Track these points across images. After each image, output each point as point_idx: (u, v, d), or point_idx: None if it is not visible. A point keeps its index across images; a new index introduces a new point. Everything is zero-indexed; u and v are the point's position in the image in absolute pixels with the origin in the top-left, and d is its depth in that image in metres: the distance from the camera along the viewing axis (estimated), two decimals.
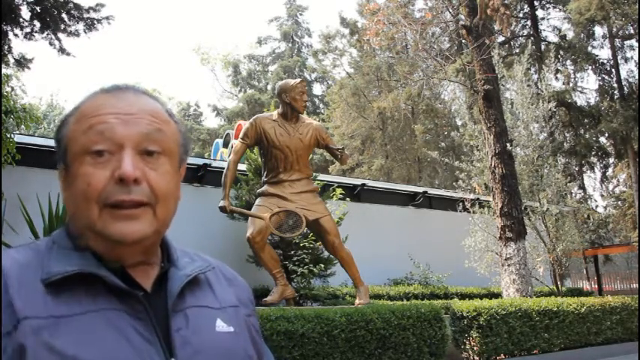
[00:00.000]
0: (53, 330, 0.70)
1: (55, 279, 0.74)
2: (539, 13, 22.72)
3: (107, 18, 9.13)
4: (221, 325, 0.84)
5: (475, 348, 6.22)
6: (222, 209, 6.17)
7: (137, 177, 0.77)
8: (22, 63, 9.00)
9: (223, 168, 6.57)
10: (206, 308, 0.85)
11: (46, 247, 0.81)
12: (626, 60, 21.14)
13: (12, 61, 8.88)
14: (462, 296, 9.58)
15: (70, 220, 0.83)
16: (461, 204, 10.39)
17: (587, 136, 19.89)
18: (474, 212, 10.07)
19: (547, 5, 22.69)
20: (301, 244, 7.68)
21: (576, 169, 20.89)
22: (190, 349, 0.78)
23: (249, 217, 6.26)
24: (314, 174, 8.00)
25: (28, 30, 8.68)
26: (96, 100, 0.83)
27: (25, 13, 8.60)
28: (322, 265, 7.85)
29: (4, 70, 7.92)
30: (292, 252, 7.75)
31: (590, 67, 20.73)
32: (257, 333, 0.94)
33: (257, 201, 6.43)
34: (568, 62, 20.86)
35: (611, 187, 26.83)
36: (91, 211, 0.77)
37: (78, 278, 0.75)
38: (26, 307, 0.71)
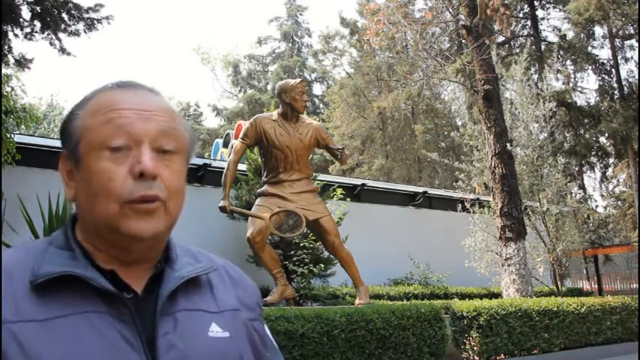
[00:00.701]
0: (32, 333, 0.70)
1: (39, 281, 0.73)
2: (539, 13, 22.73)
3: (107, 18, 9.12)
4: (215, 330, 0.82)
5: (475, 348, 6.22)
6: (222, 209, 6.17)
7: (157, 173, 0.77)
8: (22, 63, 8.99)
9: (223, 168, 6.57)
10: (200, 312, 0.83)
11: (41, 247, 0.80)
12: (626, 60, 21.15)
13: (12, 61, 8.88)
14: (462, 296, 9.58)
15: (83, 215, 0.81)
16: (461, 204, 10.39)
17: (587, 136, 19.88)
18: (473, 212, 10.07)
19: (547, 5, 22.68)
20: (301, 244, 7.68)
21: (576, 169, 20.87)
22: (176, 354, 0.76)
23: (249, 217, 6.26)
24: (314, 174, 8.00)
25: (28, 30, 8.67)
26: (111, 95, 0.82)
27: (26, 13, 8.59)
28: (322, 265, 7.85)
29: (4, 70, 7.91)
30: (292, 252, 7.75)
31: (590, 67, 20.72)
32: (261, 338, 0.91)
33: (257, 201, 6.43)
34: (568, 62, 20.86)
35: (611, 187, 26.85)
36: (110, 208, 0.76)
37: (65, 280, 0.74)
38: (7, 311, 0.70)
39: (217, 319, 0.84)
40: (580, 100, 21.57)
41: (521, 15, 22.95)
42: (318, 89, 36.11)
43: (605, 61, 20.81)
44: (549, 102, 9.78)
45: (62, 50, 9.05)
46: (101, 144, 0.78)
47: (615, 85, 20.19)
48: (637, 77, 19.68)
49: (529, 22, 22.67)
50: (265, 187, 6.42)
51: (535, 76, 17.13)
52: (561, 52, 19.53)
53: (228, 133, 13.98)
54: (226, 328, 0.84)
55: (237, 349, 0.84)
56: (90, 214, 0.79)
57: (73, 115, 0.83)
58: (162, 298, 0.79)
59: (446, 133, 25.48)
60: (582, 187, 22.71)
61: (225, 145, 13.38)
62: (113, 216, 0.76)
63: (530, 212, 9.68)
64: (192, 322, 0.81)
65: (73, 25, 8.88)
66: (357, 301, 6.39)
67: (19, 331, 0.69)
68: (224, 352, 0.81)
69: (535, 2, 22.34)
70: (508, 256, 8.16)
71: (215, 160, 10.83)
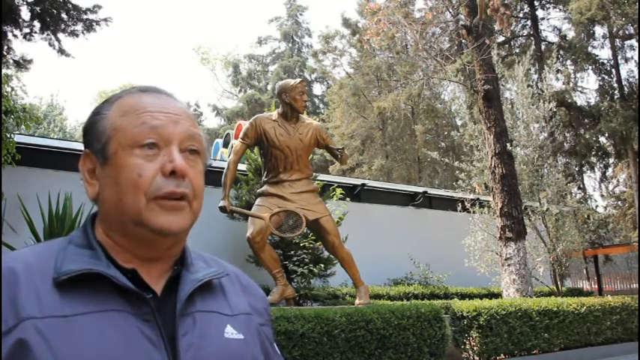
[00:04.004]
0: (57, 329, 0.71)
1: (63, 278, 0.75)
2: (539, 13, 22.73)
3: (105, 19, 9.11)
4: (230, 332, 0.84)
5: (475, 348, 6.22)
6: (222, 209, 6.16)
7: (187, 172, 0.81)
8: (22, 64, 8.98)
9: (223, 168, 6.56)
10: (215, 314, 0.85)
11: (60, 246, 0.82)
12: (626, 60, 21.15)
13: (12, 61, 8.86)
14: (462, 296, 9.58)
15: (107, 211, 0.83)
16: (461, 204, 10.39)
17: (587, 136, 19.88)
18: (473, 212, 10.07)
19: (547, 5, 22.68)
20: (301, 244, 7.68)
21: (576, 169, 20.87)
22: (195, 353, 0.78)
23: (249, 217, 6.25)
24: (314, 174, 7.99)
25: (27, 30, 8.66)
26: (138, 98, 0.87)
27: (25, 13, 8.58)
28: (322, 265, 7.85)
29: (4, 71, 7.91)
30: (292, 252, 7.75)
31: (590, 67, 20.72)
32: (270, 344, 0.94)
33: (257, 201, 6.42)
34: (568, 62, 20.85)
35: (611, 187, 26.84)
36: (138, 202, 0.79)
37: (87, 278, 0.76)
38: (31, 307, 0.72)
39: (232, 322, 0.86)
40: (580, 100, 21.59)
41: (521, 15, 22.95)
42: (318, 89, 36.14)
43: (605, 61, 20.81)
44: (549, 102, 9.77)
45: (61, 51, 9.04)
46: (133, 143, 0.82)
47: (615, 85, 20.19)
48: (637, 77, 19.68)
49: (529, 22, 22.67)
50: (265, 187, 6.41)
51: (535, 76, 17.12)
52: (561, 52, 19.53)
53: (228, 133, 13.98)
54: (240, 330, 0.86)
55: (251, 352, 0.86)
56: (116, 209, 0.81)
57: (100, 116, 0.86)
58: (181, 299, 0.81)
59: (446, 133, 25.49)
60: (582, 187, 22.71)
61: (225, 145, 13.37)
62: (140, 210, 0.79)
63: (530, 212, 9.68)
64: (210, 323, 0.83)
65: (72, 25, 8.86)
66: (357, 301, 6.38)
67: (44, 326, 0.71)
68: (240, 354, 0.83)
69: (535, 2, 22.33)
70: (508, 256, 8.15)
71: (215, 160, 10.82)
